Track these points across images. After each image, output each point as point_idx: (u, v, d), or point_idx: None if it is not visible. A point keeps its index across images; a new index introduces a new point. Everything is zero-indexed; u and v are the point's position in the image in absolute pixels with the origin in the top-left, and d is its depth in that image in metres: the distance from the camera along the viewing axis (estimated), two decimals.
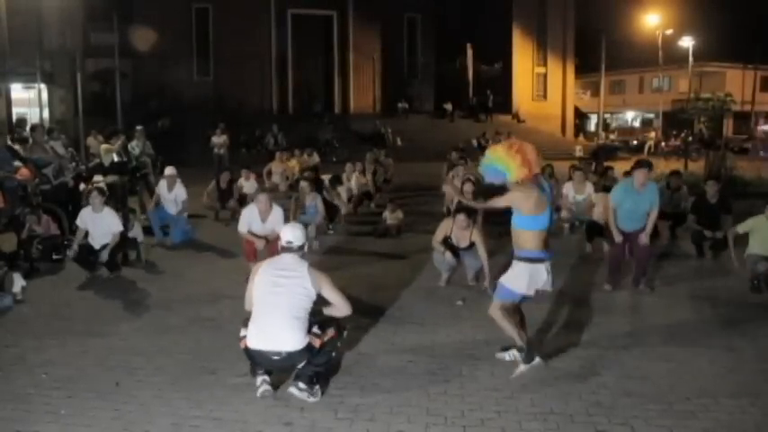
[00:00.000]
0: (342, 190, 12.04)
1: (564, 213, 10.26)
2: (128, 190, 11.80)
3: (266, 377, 4.36)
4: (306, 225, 8.64)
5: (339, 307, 4.49)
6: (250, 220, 7.37)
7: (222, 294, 6.70)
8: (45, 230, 8.44)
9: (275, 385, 4.40)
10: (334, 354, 4.49)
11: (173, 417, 4.09)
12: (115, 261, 7.86)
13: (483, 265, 6.80)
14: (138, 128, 13.45)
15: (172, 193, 9.92)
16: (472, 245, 6.93)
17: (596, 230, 8.67)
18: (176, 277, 7.80)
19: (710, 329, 5.72)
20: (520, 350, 4.73)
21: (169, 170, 10.25)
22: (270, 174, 15.52)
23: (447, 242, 7.07)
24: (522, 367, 4.64)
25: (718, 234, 8.44)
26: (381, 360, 5.00)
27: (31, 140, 10.42)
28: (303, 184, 9.84)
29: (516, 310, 4.83)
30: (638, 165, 6.93)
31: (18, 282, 6.76)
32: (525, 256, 4.57)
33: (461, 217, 6.88)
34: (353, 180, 13.09)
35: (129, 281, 7.58)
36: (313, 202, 9.47)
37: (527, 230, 4.55)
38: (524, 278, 4.57)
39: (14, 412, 4.15)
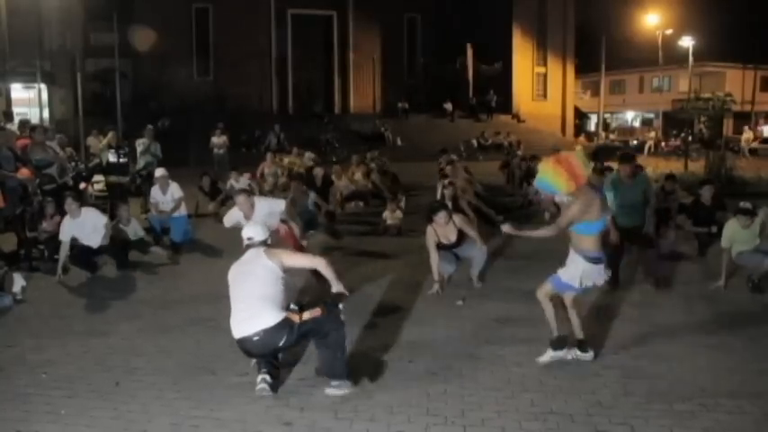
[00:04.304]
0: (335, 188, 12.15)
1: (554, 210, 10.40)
2: (127, 190, 11.79)
3: (267, 376, 4.35)
4: (311, 225, 8.70)
5: (314, 265, 4.60)
6: (237, 219, 7.34)
7: (222, 294, 6.57)
8: (53, 229, 8.43)
9: (276, 386, 4.40)
10: (338, 331, 4.33)
11: (172, 416, 4.09)
12: (127, 260, 7.93)
13: (481, 248, 6.81)
14: (149, 127, 13.31)
15: (167, 195, 9.88)
16: (461, 236, 6.86)
17: None
18: (176, 277, 7.81)
19: (710, 329, 5.71)
20: (552, 341, 4.91)
21: (159, 171, 10.18)
22: (263, 175, 15.45)
23: (440, 246, 6.86)
24: (550, 353, 4.88)
25: (713, 228, 8.45)
26: (381, 360, 5.00)
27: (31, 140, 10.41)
28: (294, 183, 9.82)
29: (574, 304, 4.98)
30: (621, 160, 7.43)
31: (18, 282, 6.77)
32: (586, 255, 4.76)
33: (441, 215, 6.74)
34: (343, 180, 13.09)
35: (129, 281, 7.58)
36: (309, 200, 9.49)
37: (587, 235, 4.74)
38: (578, 273, 4.77)
39: (15, 412, 4.16)
